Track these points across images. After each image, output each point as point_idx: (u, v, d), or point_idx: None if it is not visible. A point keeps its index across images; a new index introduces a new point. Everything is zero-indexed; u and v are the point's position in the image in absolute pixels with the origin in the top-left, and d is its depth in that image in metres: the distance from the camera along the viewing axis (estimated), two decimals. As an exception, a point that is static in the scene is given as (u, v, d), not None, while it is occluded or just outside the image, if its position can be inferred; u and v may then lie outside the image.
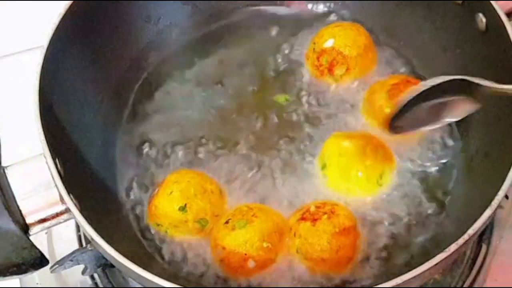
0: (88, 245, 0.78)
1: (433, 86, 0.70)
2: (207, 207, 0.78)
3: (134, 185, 0.85)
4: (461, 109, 0.73)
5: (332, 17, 1.01)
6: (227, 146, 0.88)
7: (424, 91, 0.71)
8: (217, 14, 1.02)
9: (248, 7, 1.03)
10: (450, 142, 0.86)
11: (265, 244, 0.74)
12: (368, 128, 0.87)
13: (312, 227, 0.75)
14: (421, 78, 0.91)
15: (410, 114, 0.73)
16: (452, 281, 0.84)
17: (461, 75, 0.70)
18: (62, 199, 0.66)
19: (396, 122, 0.75)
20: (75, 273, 0.81)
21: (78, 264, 0.79)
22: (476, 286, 0.84)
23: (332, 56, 0.91)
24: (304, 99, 0.92)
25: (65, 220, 0.69)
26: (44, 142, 0.68)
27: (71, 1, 0.79)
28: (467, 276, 0.84)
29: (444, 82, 0.70)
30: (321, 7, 1.03)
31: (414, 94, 0.71)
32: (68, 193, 0.65)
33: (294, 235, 0.76)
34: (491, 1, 0.77)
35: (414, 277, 0.60)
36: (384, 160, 0.82)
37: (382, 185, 0.81)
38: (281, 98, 0.92)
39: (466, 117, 0.86)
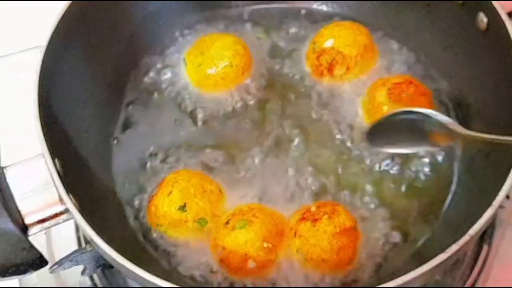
0: (87, 246, 0.78)
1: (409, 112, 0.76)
2: (206, 207, 0.78)
3: (134, 185, 0.85)
4: (440, 140, 0.77)
5: (332, 16, 1.01)
6: (228, 146, 0.88)
7: (402, 113, 0.77)
8: (216, 12, 1.02)
9: (248, 6, 1.03)
10: (451, 143, 0.86)
11: (265, 245, 0.74)
12: (366, 125, 0.87)
13: (312, 227, 0.75)
14: (422, 78, 0.91)
15: (389, 132, 0.79)
16: (453, 282, 0.84)
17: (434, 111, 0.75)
18: (61, 200, 0.66)
19: (374, 137, 0.80)
20: (74, 273, 0.81)
21: (77, 264, 0.79)
22: (477, 287, 0.84)
23: (332, 56, 0.91)
24: (303, 100, 0.92)
25: (64, 221, 0.69)
26: (43, 142, 0.68)
27: (70, 1, 0.79)
28: (468, 276, 0.84)
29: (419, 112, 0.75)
30: (321, 7, 1.03)
31: (391, 113, 0.78)
32: (67, 193, 0.65)
33: (295, 235, 0.76)
34: (491, 1, 0.77)
35: (415, 277, 0.60)
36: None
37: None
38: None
39: (468, 117, 0.87)
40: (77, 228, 0.91)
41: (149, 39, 0.97)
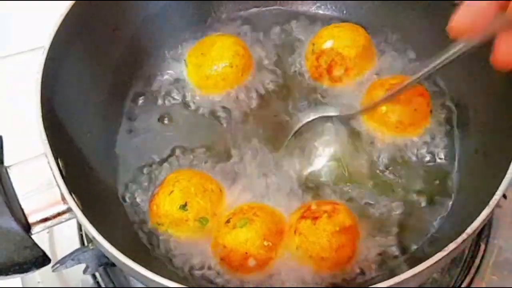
0: (90, 244, 0.79)
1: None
2: (207, 206, 0.79)
3: (135, 184, 0.85)
4: None
5: (331, 17, 1.01)
6: (228, 146, 0.88)
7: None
8: (216, 14, 1.03)
9: (248, 9, 1.04)
10: (448, 142, 0.86)
11: (265, 243, 0.75)
12: (365, 125, 0.88)
13: (312, 225, 0.75)
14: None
15: None
16: (450, 281, 0.84)
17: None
18: (63, 199, 0.67)
19: None
20: (76, 272, 0.81)
21: (80, 263, 0.79)
22: (474, 286, 0.84)
23: (331, 57, 0.91)
24: (302, 100, 0.92)
25: (67, 220, 0.70)
26: (46, 141, 0.68)
27: (73, 1, 0.80)
28: (466, 275, 0.84)
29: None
30: (320, 8, 1.04)
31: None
32: (70, 192, 0.66)
33: (294, 232, 0.76)
34: (488, 2, 0.77)
35: (413, 276, 0.60)
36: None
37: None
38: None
39: (465, 117, 0.87)
40: (80, 227, 0.91)
41: (150, 40, 0.97)
